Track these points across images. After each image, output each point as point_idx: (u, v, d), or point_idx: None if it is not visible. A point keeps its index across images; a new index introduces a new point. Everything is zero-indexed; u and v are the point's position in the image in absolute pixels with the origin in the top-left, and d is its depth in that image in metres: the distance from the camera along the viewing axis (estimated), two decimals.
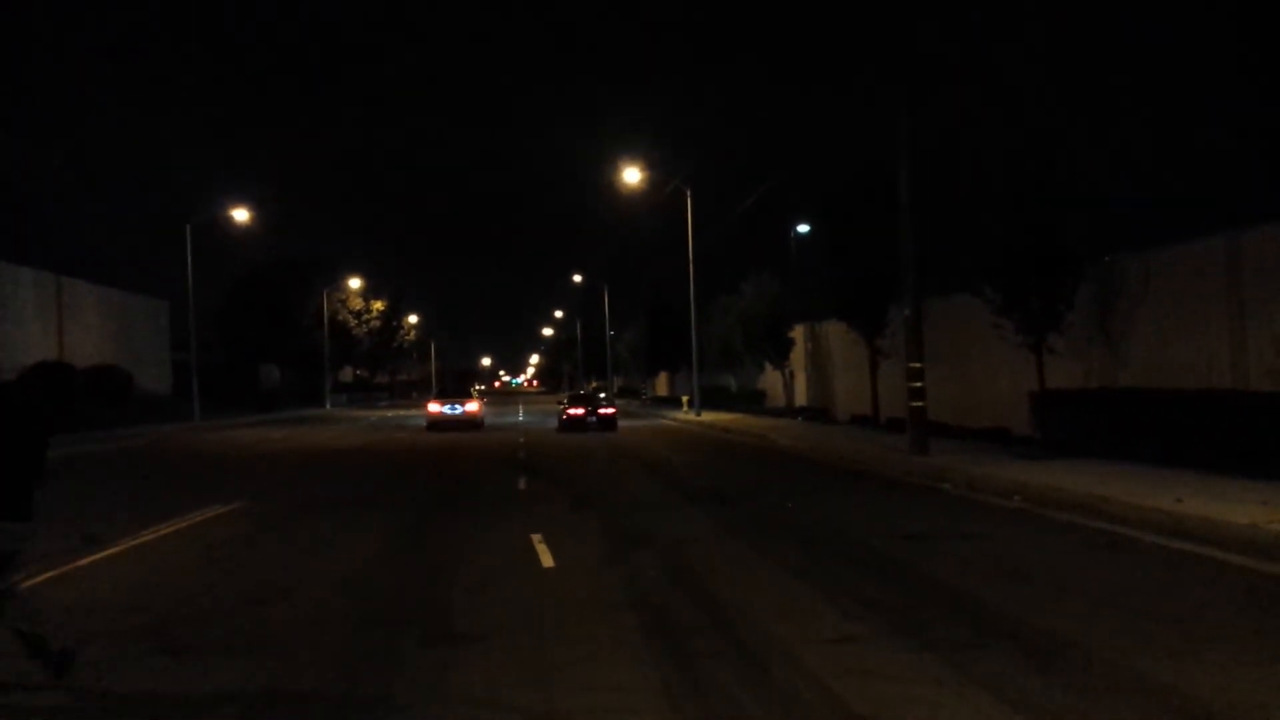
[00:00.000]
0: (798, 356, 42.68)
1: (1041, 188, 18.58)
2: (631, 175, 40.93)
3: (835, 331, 36.83)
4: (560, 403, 38.74)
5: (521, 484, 16.36)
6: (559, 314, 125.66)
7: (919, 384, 17.87)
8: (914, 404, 17.94)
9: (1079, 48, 19.75)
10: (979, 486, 14.10)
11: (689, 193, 39.75)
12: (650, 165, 41.27)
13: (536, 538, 10.39)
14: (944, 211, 21.46)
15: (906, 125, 17.64)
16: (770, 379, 46.56)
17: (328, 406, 68.73)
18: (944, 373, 26.58)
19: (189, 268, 46.59)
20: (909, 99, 17.61)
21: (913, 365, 17.91)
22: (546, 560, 9.19)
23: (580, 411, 34.12)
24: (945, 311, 26.60)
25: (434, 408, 37.99)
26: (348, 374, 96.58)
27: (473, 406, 38.01)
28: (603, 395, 44.55)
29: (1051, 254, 18.63)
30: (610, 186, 43.73)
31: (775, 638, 6.28)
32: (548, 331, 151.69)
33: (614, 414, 34.96)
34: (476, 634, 6.54)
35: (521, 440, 28.58)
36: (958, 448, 19.50)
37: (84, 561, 9.51)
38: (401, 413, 61.29)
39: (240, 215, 48.89)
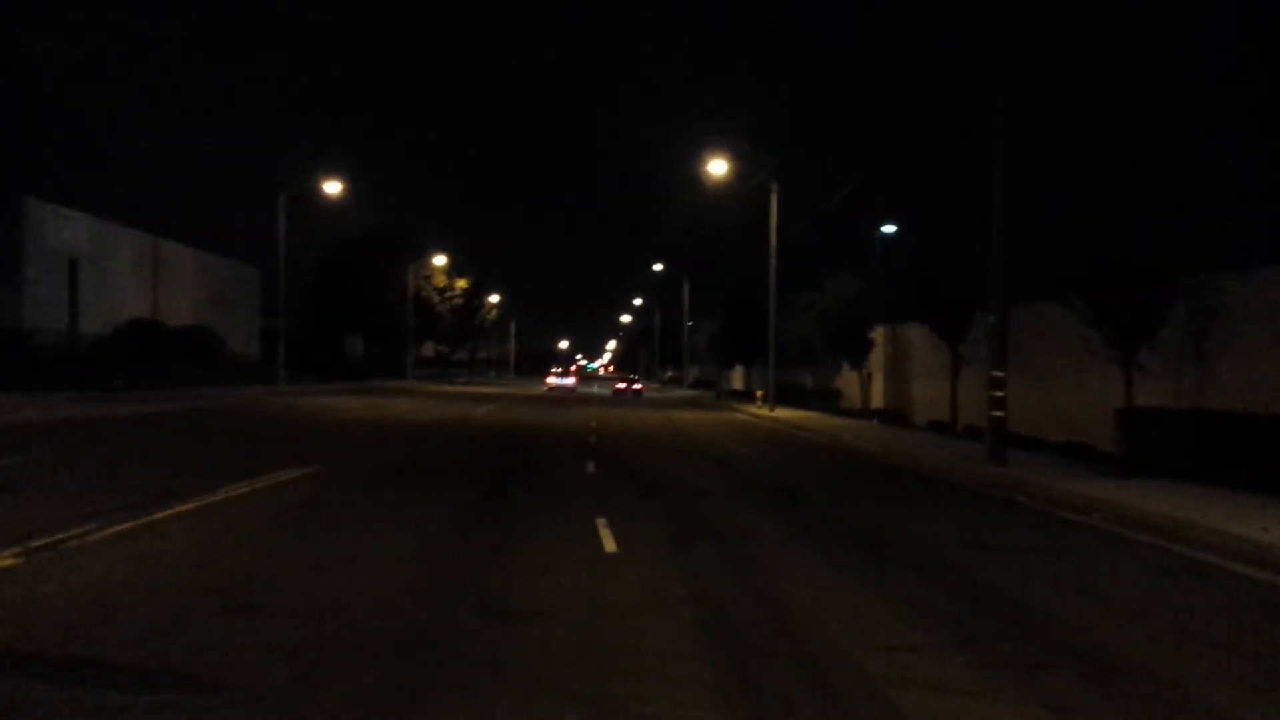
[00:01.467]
0: (876, 358, 42.12)
1: (1140, 198, 18.03)
2: (718, 167, 40.75)
3: (917, 335, 36.28)
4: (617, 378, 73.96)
5: (590, 468, 16.42)
6: (638, 301, 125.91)
7: (1001, 393, 17.46)
8: (994, 413, 17.55)
9: (1184, 54, 18.96)
10: (1057, 501, 13.74)
11: (774, 187, 39.41)
12: (737, 158, 41.04)
13: (601, 522, 10.41)
14: (1034, 217, 20.95)
15: (1000, 127, 17.22)
16: (847, 379, 46.03)
17: (408, 379, 69.92)
18: (1026, 383, 26.00)
19: (281, 237, 47.70)
20: (1004, 100, 17.17)
21: (995, 374, 17.51)
22: (609, 545, 9.19)
23: (624, 385, 68.95)
24: (1030, 320, 26.00)
25: (550, 380, 77.31)
26: (429, 349, 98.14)
27: (570, 381, 77.71)
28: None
29: (1146, 267, 18.06)
30: (697, 178, 43.60)
31: (834, 642, 6.18)
32: (626, 318, 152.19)
33: (642, 388, 67.38)
34: (534, 614, 6.56)
35: (594, 425, 28.69)
36: (1037, 460, 19.06)
37: (160, 515, 9.79)
38: (479, 389, 62.10)
39: (333, 188, 49.88)
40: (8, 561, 7.42)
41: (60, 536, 8.39)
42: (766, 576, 8.09)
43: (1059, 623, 6.90)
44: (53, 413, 23.90)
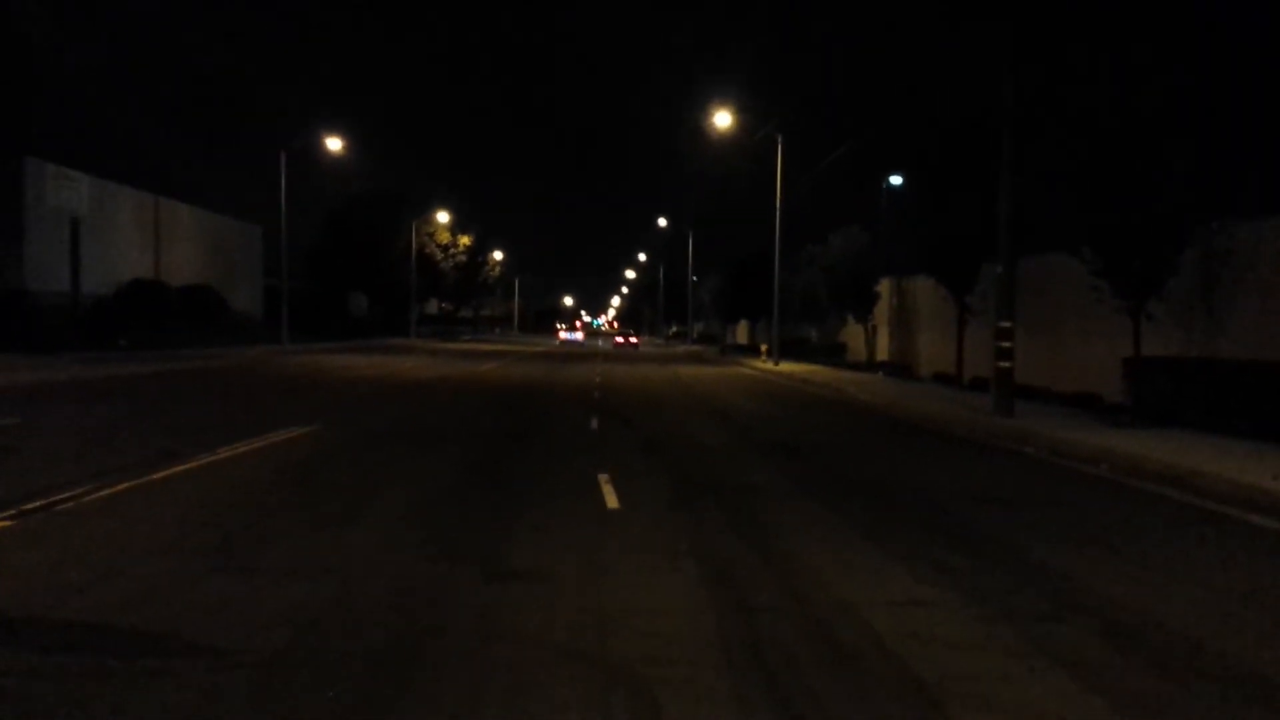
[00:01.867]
0: (881, 311, 41.95)
1: (1150, 145, 17.71)
2: (723, 119, 40.26)
3: (923, 287, 36.06)
4: (612, 328, 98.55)
5: (594, 424, 16.31)
6: (643, 257, 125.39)
7: (1008, 344, 17.28)
8: (1001, 364, 17.38)
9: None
10: (1064, 452, 13.63)
11: (779, 140, 38.95)
12: (742, 110, 40.55)
13: (604, 478, 10.31)
14: (1043, 166, 20.63)
15: (1012, 72, 16.86)
16: (852, 332, 45.88)
17: (412, 337, 69.85)
18: (1034, 334, 25.83)
19: (283, 194, 47.32)
20: (1016, 43, 16.80)
21: (1002, 324, 17.32)
22: (611, 502, 9.08)
23: (621, 340, 76.36)
24: (1038, 271, 25.78)
25: (561, 335, 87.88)
26: (433, 307, 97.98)
27: (579, 335, 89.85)
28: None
29: (1156, 214, 17.78)
30: (701, 130, 43.15)
31: (840, 597, 6.08)
32: (630, 274, 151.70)
33: (638, 342, 75.73)
34: (536, 573, 6.46)
35: (598, 381, 28.59)
36: (1044, 411, 18.95)
37: (159, 475, 9.70)
38: (483, 346, 62.03)
39: (334, 145, 49.45)
40: (1, 524, 7.32)
41: (56, 498, 8.30)
42: (771, 532, 7.99)
43: (1068, 575, 6.80)
44: (54, 374, 23.80)
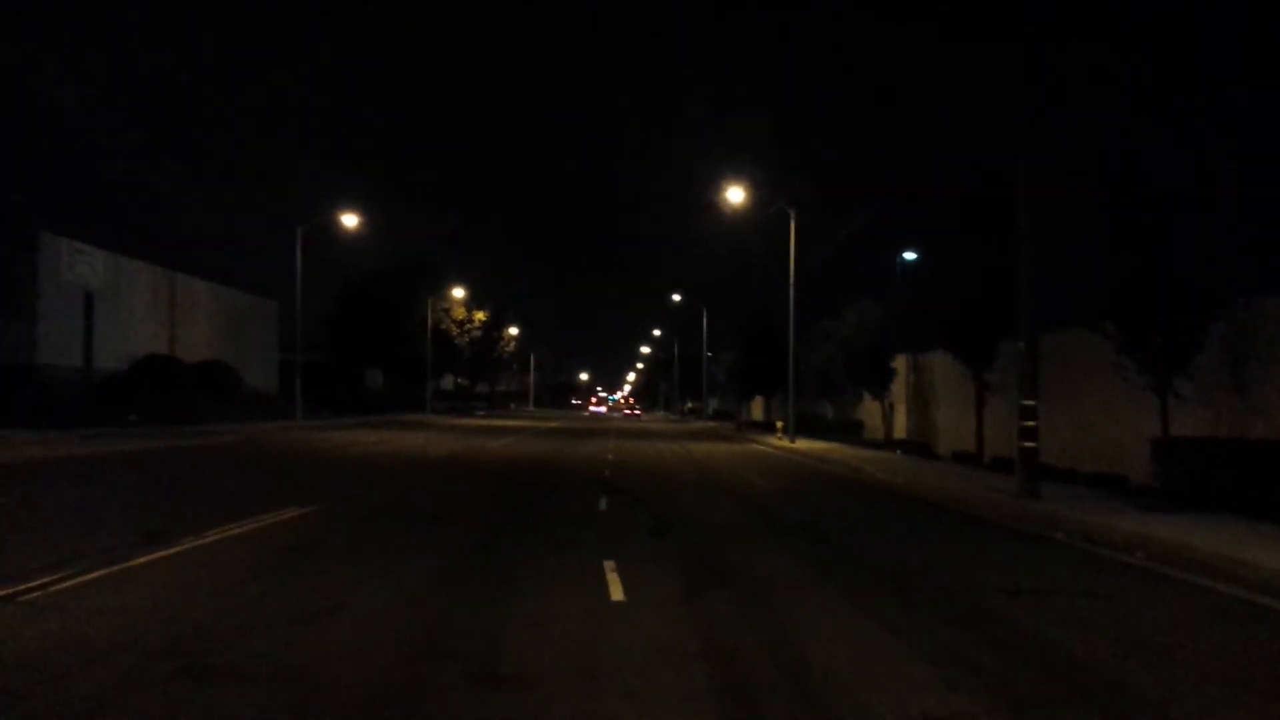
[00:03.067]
0: (898, 388, 41.36)
1: (1172, 219, 17.32)
2: (735, 195, 40.25)
3: (940, 363, 35.52)
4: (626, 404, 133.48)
5: (602, 504, 15.70)
6: (657, 332, 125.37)
7: (1032, 423, 16.65)
8: (1025, 444, 16.72)
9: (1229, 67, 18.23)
10: (1097, 538, 12.92)
11: (793, 215, 38.81)
12: (755, 185, 40.51)
13: (609, 565, 9.70)
14: (1060, 240, 20.26)
15: (1028, 140, 16.51)
16: (869, 409, 45.23)
17: (427, 412, 69.42)
18: (1055, 412, 25.18)
19: (298, 270, 47.43)
20: (1031, 111, 16.48)
21: (1026, 402, 16.70)
22: (616, 593, 8.46)
23: (628, 411, 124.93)
24: (1059, 347, 25.24)
25: (591, 409, 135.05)
26: (449, 382, 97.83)
27: (604, 409, 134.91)
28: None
29: (1180, 290, 17.30)
30: (714, 206, 43.07)
31: (866, 707, 5.44)
32: (645, 349, 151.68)
33: (640, 413, 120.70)
34: (527, 677, 5.86)
35: (610, 458, 27.98)
36: (1070, 493, 18.21)
37: (138, 561, 9.15)
38: (496, 422, 61.55)
39: (350, 221, 49.63)
40: None
41: (23, 586, 7.76)
42: (787, 629, 7.35)
43: (1118, 682, 6.14)
44: (58, 449, 23.41)
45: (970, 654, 6.70)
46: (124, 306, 45.54)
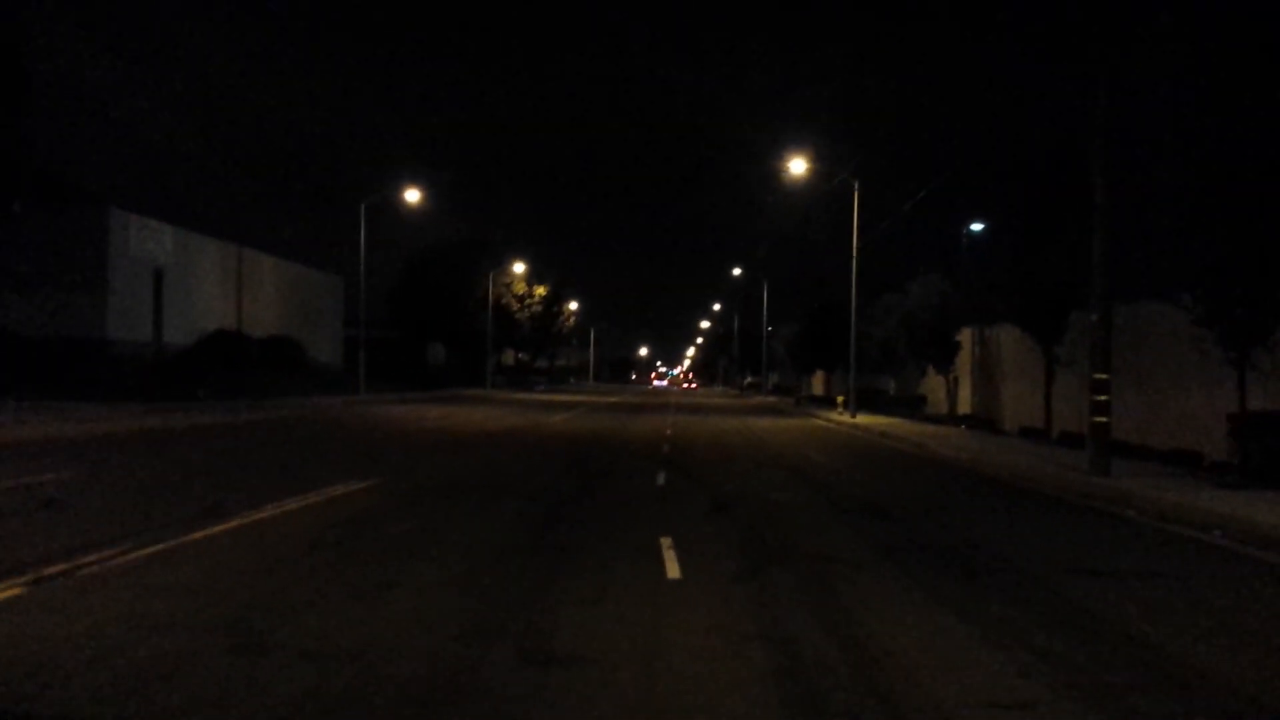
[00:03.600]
0: (963, 362, 40.60)
1: (1258, 184, 16.58)
2: (798, 166, 39.58)
3: (1007, 337, 34.77)
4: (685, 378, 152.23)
5: (660, 480, 15.56)
6: (717, 307, 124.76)
7: (1104, 397, 16.14)
8: (1097, 419, 16.22)
9: None
10: (1171, 516, 12.47)
11: (856, 186, 38.12)
12: (818, 157, 39.83)
13: (666, 542, 9.53)
14: (1135, 209, 19.58)
15: (1104, 107, 15.89)
16: (932, 384, 44.51)
17: (488, 387, 69.93)
18: (1128, 386, 24.47)
19: (362, 246, 47.88)
20: (1108, 76, 15.85)
21: (1098, 376, 16.19)
22: (673, 571, 8.30)
23: (686, 385, 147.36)
24: (1132, 320, 24.51)
25: (655, 383, 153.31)
26: (509, 356, 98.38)
27: (665, 383, 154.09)
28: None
29: (1262, 259, 16.59)
30: (777, 178, 42.48)
31: (931, 694, 5.22)
32: (705, 324, 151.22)
33: (696, 386, 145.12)
34: (580, 656, 5.73)
35: (668, 433, 27.84)
36: (1142, 470, 17.68)
37: (197, 535, 9.20)
38: (556, 397, 61.78)
39: (412, 196, 49.92)
40: (11, 592, 6.82)
41: (82, 561, 7.81)
42: (849, 609, 7.13)
43: (1201, 669, 5.83)
44: (128, 423, 23.90)
45: (1040, 638, 6.43)
46: (192, 282, 46.34)
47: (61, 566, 7.59)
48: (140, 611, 6.46)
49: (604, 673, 5.43)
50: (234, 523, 9.99)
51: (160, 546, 8.58)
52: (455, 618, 6.58)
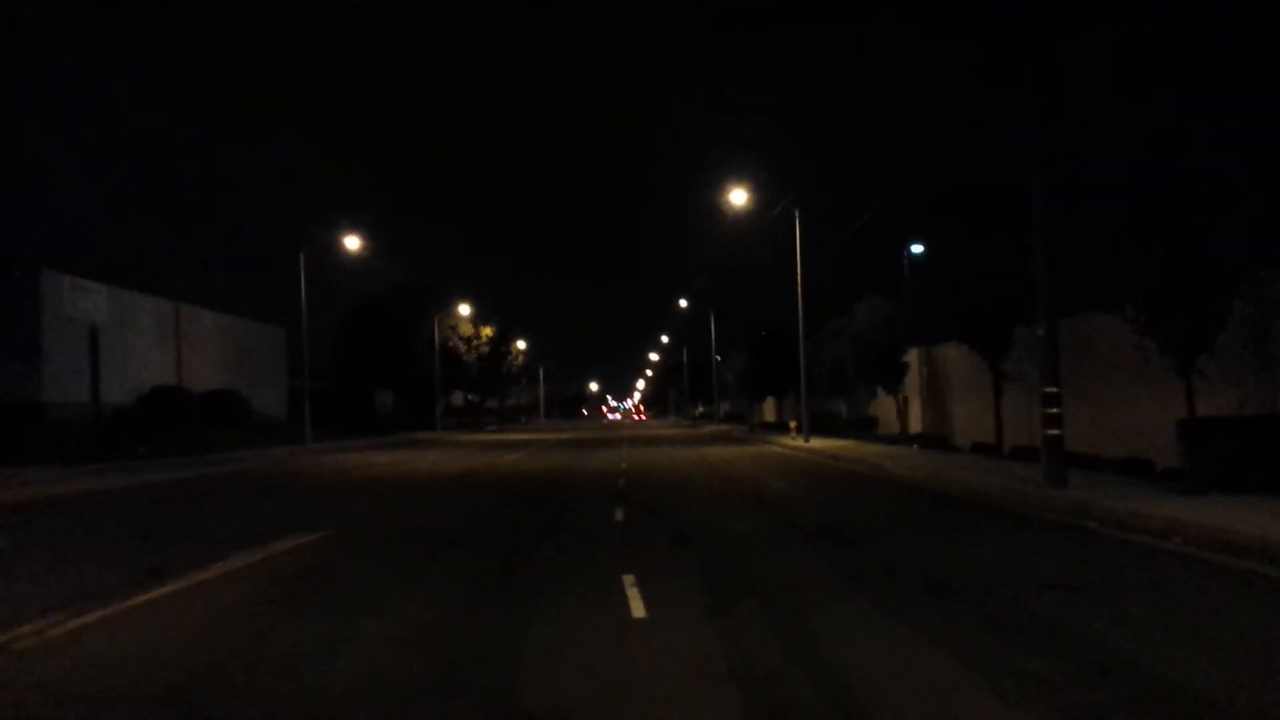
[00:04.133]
0: (912, 381, 40.90)
1: (1188, 194, 16.87)
2: (739, 197, 39.81)
3: (954, 355, 35.08)
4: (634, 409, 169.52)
5: (619, 515, 15.29)
6: (665, 339, 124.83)
7: (1056, 410, 16.21)
8: (1050, 432, 16.29)
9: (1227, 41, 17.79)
10: (1130, 525, 12.48)
11: (798, 214, 38.39)
12: (761, 188, 40.09)
13: (629, 579, 9.29)
14: (1073, 223, 19.82)
15: (1038, 111, 16.06)
16: (883, 405, 44.77)
17: (438, 430, 69.09)
18: (1076, 398, 24.67)
19: (303, 295, 47.20)
20: (1042, 82, 16.04)
21: (1048, 390, 16.27)
22: (637, 609, 8.05)
23: (636, 417, 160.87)
24: (1075, 332, 24.75)
25: (607, 417, 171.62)
26: (458, 398, 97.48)
27: (617, 416, 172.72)
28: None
29: (1201, 267, 16.84)
30: (720, 211, 42.66)
31: None
32: (654, 356, 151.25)
33: (645, 418, 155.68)
34: (551, 709, 5.45)
35: (623, 467, 27.57)
36: (1097, 480, 17.76)
37: (139, 599, 8.78)
38: (508, 436, 61.21)
39: (352, 243, 49.46)
40: None
41: (17, 633, 7.39)
42: (821, 642, 6.94)
43: (1183, 684, 5.71)
44: (66, 486, 23.10)
45: (1016, 659, 6.29)
46: (129, 340, 45.29)
47: None
48: (81, 685, 6.07)
49: None
50: (178, 584, 9.57)
51: (101, 613, 8.16)
52: (416, 673, 6.28)
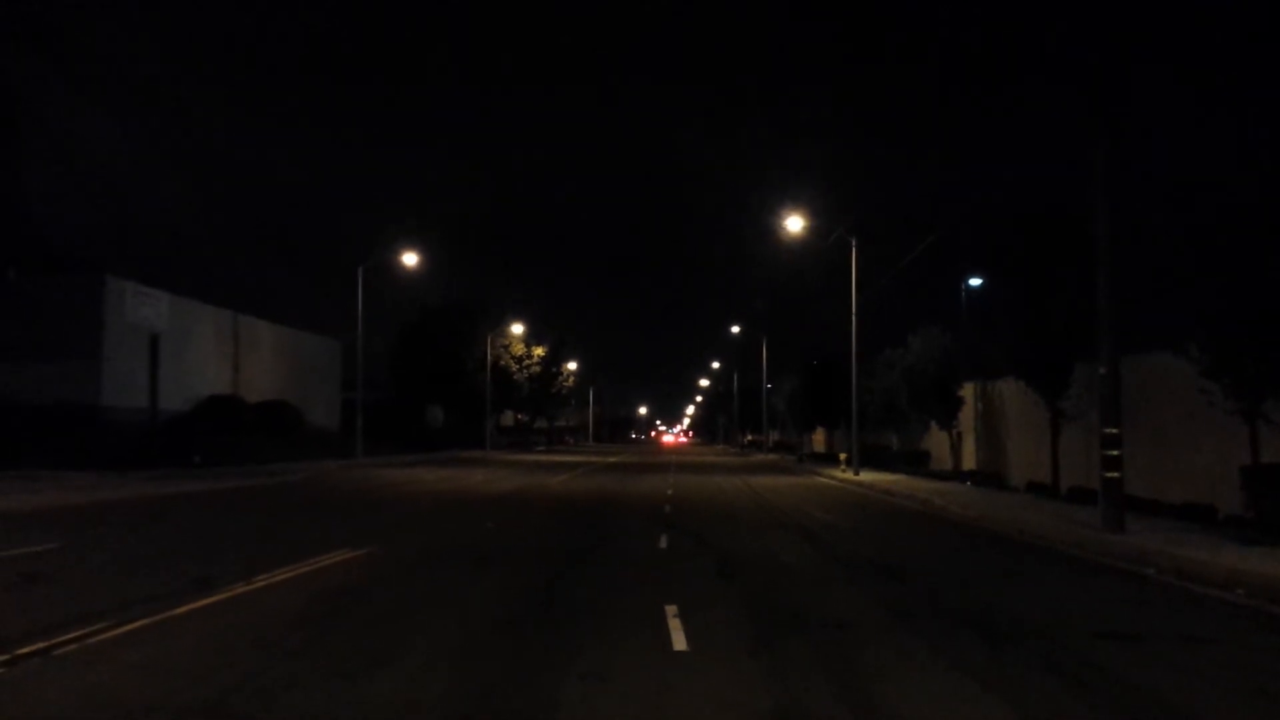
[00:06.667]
0: (966, 416, 40.21)
1: (1258, 238, 16.42)
2: (794, 224, 39.60)
3: (1010, 391, 34.43)
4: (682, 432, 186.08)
5: (663, 543, 15.14)
6: (716, 365, 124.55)
7: (1115, 452, 15.81)
8: (1109, 474, 15.88)
9: None
10: (1191, 574, 12.07)
11: (853, 242, 38.11)
12: (815, 214, 39.88)
13: (671, 610, 9.14)
14: (1137, 259, 19.42)
15: (1105, 152, 15.77)
16: (935, 439, 44.08)
17: (487, 449, 69.43)
18: (1136, 440, 24.08)
19: (359, 309, 47.78)
20: (1109, 123, 15.75)
21: (1108, 431, 15.88)
22: (679, 642, 7.90)
23: (685, 440, 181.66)
24: (1137, 372, 24.17)
25: (664, 440, 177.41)
26: (508, 418, 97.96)
27: (670, 438, 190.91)
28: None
29: (1269, 309, 16.36)
30: (774, 235, 42.47)
31: None
32: (704, 382, 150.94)
33: (690, 440, 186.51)
34: None
35: (669, 494, 27.40)
36: (1156, 525, 17.28)
37: (182, 609, 8.81)
38: (556, 458, 61.28)
39: (410, 259, 49.98)
40: None
41: (60, 639, 7.44)
42: (867, 682, 6.75)
43: None
44: (120, 492, 23.48)
45: (1070, 709, 6.07)
46: (188, 348, 46.11)
47: (39, 645, 7.22)
48: (119, 694, 6.08)
49: None
50: (222, 595, 9.61)
51: (144, 621, 8.20)
52: (450, 699, 6.19)
